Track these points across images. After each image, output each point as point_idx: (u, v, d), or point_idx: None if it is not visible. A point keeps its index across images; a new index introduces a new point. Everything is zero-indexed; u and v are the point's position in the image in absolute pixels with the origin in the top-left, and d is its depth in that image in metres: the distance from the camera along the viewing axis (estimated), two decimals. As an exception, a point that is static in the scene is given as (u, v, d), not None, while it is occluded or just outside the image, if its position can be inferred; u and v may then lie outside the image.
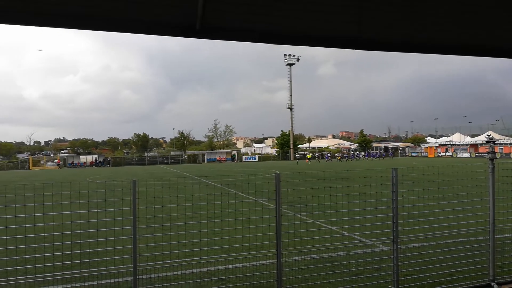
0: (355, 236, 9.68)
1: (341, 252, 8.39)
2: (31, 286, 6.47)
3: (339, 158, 75.90)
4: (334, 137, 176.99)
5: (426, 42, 6.12)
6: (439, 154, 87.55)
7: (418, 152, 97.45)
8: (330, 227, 10.40)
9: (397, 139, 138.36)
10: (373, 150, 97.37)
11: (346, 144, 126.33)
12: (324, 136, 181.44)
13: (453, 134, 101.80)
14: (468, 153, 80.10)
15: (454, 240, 8.77)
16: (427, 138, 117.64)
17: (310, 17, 4.63)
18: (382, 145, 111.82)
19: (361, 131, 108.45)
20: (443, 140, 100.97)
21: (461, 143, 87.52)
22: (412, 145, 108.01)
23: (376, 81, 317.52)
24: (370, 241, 9.23)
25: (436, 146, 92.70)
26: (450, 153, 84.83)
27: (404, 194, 7.66)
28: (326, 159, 73.15)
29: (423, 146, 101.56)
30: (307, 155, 72.79)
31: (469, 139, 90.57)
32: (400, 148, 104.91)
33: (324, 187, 7.29)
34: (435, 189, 8.15)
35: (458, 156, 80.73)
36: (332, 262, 7.75)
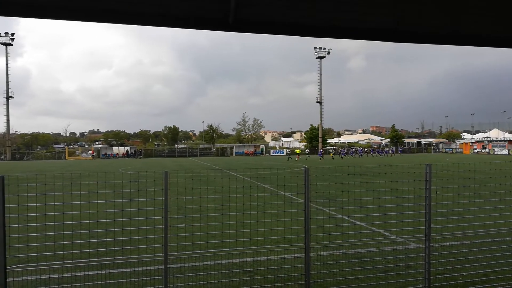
0: (385, 233, 9.51)
1: (370, 249, 8.28)
2: (68, 270, 6.77)
3: (331, 154, 67.51)
4: (364, 131, 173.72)
5: (464, 34, 5.89)
6: (475, 151, 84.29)
7: (452, 148, 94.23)
8: (359, 222, 10.27)
9: (431, 134, 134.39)
10: (379, 147, 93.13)
11: (377, 139, 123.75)
12: (354, 131, 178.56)
13: (490, 130, 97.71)
14: (507, 150, 76.67)
15: (489, 240, 8.47)
16: (463, 134, 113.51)
17: (345, 9, 4.54)
18: (415, 140, 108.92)
19: (393, 126, 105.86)
20: (480, 136, 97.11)
21: (499, 139, 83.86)
22: (447, 141, 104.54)
23: (408, 74, 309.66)
24: (400, 238, 9.05)
25: (472, 142, 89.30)
26: (487, 150, 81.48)
27: (438, 191, 7.45)
28: (320, 156, 63.93)
29: (458, 142, 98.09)
30: (296, 151, 66.60)
31: (508, 135, 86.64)
32: (434, 144, 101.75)
33: (354, 182, 7.19)
34: (470, 186, 7.86)
35: (496, 153, 77.37)
36: (360, 258, 7.66)
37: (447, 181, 8.80)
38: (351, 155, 70.88)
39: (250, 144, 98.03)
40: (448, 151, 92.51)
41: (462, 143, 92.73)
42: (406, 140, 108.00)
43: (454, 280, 6.48)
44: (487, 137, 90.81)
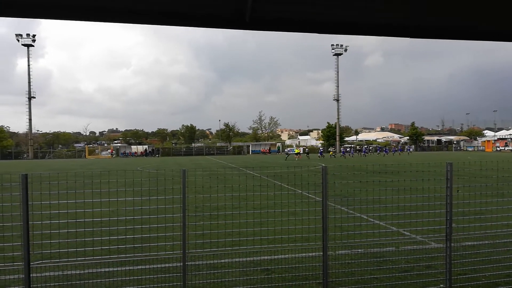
0: (404, 232, 9.37)
1: (389, 248, 8.17)
2: (89, 267, 6.91)
3: (331, 153, 63.29)
4: (383, 129, 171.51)
5: (486, 29, 5.74)
6: (498, 149, 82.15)
7: (474, 146, 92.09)
8: (378, 221, 10.15)
9: (451, 132, 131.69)
10: (397, 145, 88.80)
11: (396, 137, 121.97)
12: (372, 129, 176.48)
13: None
14: (531, 148, 74.53)
15: (513, 240, 8.25)
16: (485, 132, 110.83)
17: (364, 5, 4.48)
18: (435, 138, 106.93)
19: (412, 124, 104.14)
20: (503, 133, 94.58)
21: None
22: (468, 138, 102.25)
23: (427, 71, 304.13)
24: (420, 238, 8.90)
25: (495, 140, 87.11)
26: (510, 148, 79.30)
27: (459, 190, 7.30)
28: (320, 155, 61.01)
29: (480, 139, 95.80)
30: (295, 150, 62.77)
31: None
32: (455, 142, 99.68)
33: (373, 181, 7.10)
34: (493, 185, 7.68)
35: (519, 150, 75.32)
36: (379, 258, 7.57)
37: (469, 179, 8.60)
38: (351, 154, 65.59)
39: (266, 142, 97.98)
40: (470, 149, 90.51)
41: (484, 141, 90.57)
42: (426, 137, 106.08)
43: (476, 280, 6.34)
44: (510, 134, 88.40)
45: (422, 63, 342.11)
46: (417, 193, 7.48)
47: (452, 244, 5.84)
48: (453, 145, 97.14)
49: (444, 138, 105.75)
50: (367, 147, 77.90)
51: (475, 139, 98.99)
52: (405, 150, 78.70)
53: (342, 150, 68.23)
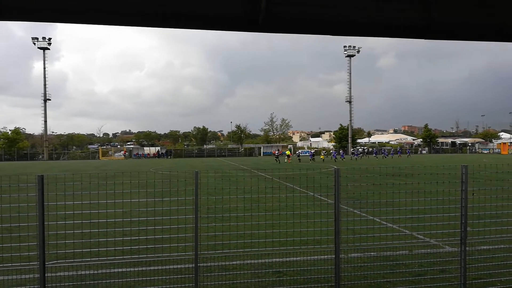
0: (418, 235, 9.26)
1: (402, 251, 8.08)
2: (102, 267, 6.99)
3: (322, 157, 58.26)
4: (395, 131, 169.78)
5: (504, 29, 5.64)
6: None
7: (489, 149, 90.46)
8: (391, 225, 10.05)
9: (466, 134, 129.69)
10: (412, 147, 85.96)
11: (409, 139, 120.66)
12: (385, 131, 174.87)
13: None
14: (548, 150, 72.83)
15: (530, 245, 8.08)
16: (500, 134, 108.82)
17: (381, 6, 4.45)
18: (449, 140, 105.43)
19: (426, 126, 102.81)
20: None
21: (540, 139, 79.76)
22: (483, 140, 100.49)
23: (441, 72, 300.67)
24: (434, 241, 8.78)
25: (511, 142, 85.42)
26: (527, 150, 77.70)
27: (475, 193, 7.19)
28: (310, 157, 58.58)
29: (496, 142, 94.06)
30: (286, 152, 59.08)
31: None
32: (469, 144, 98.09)
33: (386, 183, 7.04)
34: (509, 188, 7.53)
35: (536, 153, 73.73)
36: (392, 261, 7.49)
37: (484, 182, 8.46)
38: (342, 158, 60.82)
39: (278, 144, 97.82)
40: (485, 152, 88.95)
41: (500, 143, 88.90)
42: (440, 140, 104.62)
43: (492, 285, 6.23)
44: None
45: (436, 65, 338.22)
46: (431, 196, 7.40)
47: (467, 248, 5.75)
48: (468, 148, 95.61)
49: (458, 140, 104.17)
50: (362, 149, 75.03)
51: (491, 141, 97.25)
52: (410, 153, 76.78)
53: (333, 153, 64.60)
